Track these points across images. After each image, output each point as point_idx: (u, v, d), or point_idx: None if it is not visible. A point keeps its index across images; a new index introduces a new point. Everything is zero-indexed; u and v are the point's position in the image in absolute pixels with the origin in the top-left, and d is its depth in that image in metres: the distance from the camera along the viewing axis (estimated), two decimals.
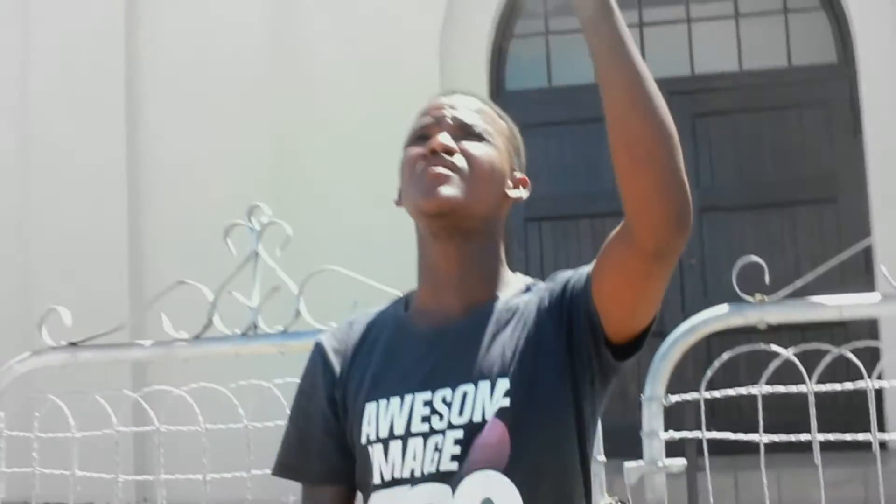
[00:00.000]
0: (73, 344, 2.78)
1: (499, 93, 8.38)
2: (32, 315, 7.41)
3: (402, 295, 1.96)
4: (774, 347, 2.59)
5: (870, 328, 6.86)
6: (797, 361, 2.55)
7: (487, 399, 1.72)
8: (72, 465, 2.82)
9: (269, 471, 2.00)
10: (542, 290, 1.84)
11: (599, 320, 1.73)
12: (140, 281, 7.80)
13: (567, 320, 1.76)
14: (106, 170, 8.01)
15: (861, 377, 2.62)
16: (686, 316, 2.94)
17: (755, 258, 2.64)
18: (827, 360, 2.57)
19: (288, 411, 1.96)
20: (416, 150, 1.83)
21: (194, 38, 8.13)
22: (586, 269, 1.78)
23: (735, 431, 2.74)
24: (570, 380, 1.76)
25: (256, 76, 8.06)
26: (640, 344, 1.77)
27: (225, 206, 7.32)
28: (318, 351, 1.91)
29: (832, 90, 8.10)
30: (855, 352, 2.67)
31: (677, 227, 1.66)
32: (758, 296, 2.59)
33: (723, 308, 2.62)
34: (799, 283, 2.70)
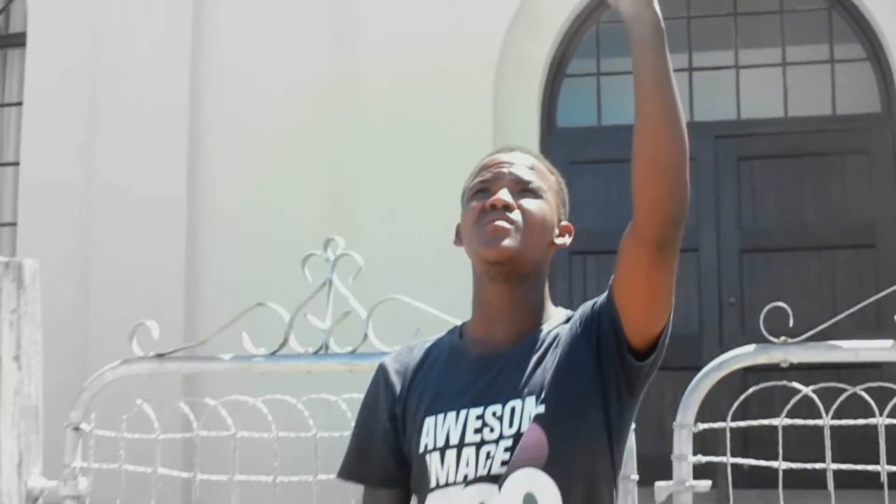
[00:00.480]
0: (159, 355, 3.12)
1: (550, 129, 8.67)
2: (90, 336, 7.85)
3: (457, 324, 2.24)
4: (795, 384, 2.87)
5: None
6: (815, 398, 2.83)
7: (528, 406, 2.00)
8: (154, 463, 3.14)
9: (333, 476, 2.29)
10: (577, 315, 2.12)
11: (621, 324, 2.01)
12: (196, 305, 8.14)
13: (596, 331, 2.04)
14: (167, 204, 8.30)
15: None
16: (724, 352, 3.22)
17: (781, 304, 2.92)
18: (842, 398, 2.84)
19: (352, 424, 2.24)
20: (479, 203, 2.10)
21: (255, 75, 8.42)
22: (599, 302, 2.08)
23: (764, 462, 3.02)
24: (600, 388, 2.03)
25: (316, 115, 8.33)
26: (658, 348, 2.05)
27: (283, 238, 7.75)
28: (382, 371, 2.20)
29: (874, 139, 8.32)
30: (873, 390, 2.94)
31: (678, 223, 1.95)
32: (782, 337, 2.88)
33: (749, 347, 2.91)
34: (821, 327, 2.97)
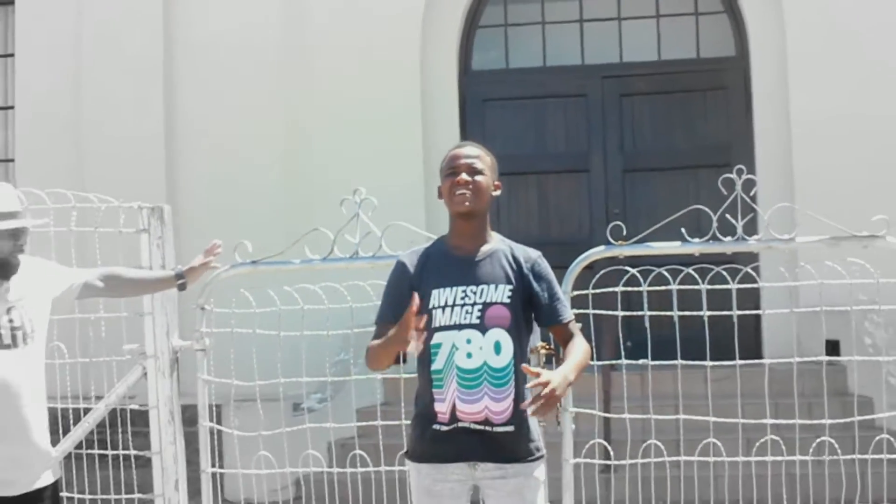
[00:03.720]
0: (254, 262, 5.35)
1: (466, 71, 10.93)
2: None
3: (437, 238, 4.31)
4: (627, 267, 5.22)
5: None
6: (645, 291, 5.20)
7: (494, 292, 4.02)
8: (254, 327, 5.44)
9: (364, 329, 4.54)
10: (524, 255, 4.09)
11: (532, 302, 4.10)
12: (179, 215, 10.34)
13: (530, 285, 4.03)
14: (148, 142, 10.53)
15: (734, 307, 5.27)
16: None
17: (619, 223, 5.27)
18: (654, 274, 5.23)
19: (374, 301, 4.47)
20: (450, 180, 4.09)
21: (222, 29, 10.56)
22: (556, 305, 4.08)
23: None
24: (529, 300, 4.05)
25: (271, 67, 10.57)
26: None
27: (249, 157, 10.00)
28: (401, 262, 4.21)
29: (730, 78, 10.70)
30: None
31: None
32: (619, 242, 5.24)
33: (601, 247, 5.27)
34: (646, 232, 5.29)
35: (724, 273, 5.39)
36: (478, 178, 4.07)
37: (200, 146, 10.51)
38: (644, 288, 5.27)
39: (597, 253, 5.16)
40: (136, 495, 5.56)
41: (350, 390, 6.70)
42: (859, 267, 5.30)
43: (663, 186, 10.69)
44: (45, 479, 4.11)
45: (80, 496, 5.56)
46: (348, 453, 6.04)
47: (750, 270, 5.53)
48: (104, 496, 5.60)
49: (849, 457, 5.43)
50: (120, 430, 5.70)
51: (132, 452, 5.53)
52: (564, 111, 10.91)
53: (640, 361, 5.40)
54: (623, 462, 5.56)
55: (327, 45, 10.55)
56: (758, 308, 7.41)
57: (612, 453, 5.68)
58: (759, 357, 9.00)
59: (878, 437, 5.37)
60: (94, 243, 5.39)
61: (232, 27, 10.54)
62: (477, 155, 4.13)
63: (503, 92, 10.92)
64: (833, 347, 7.82)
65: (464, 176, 4.04)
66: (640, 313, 5.36)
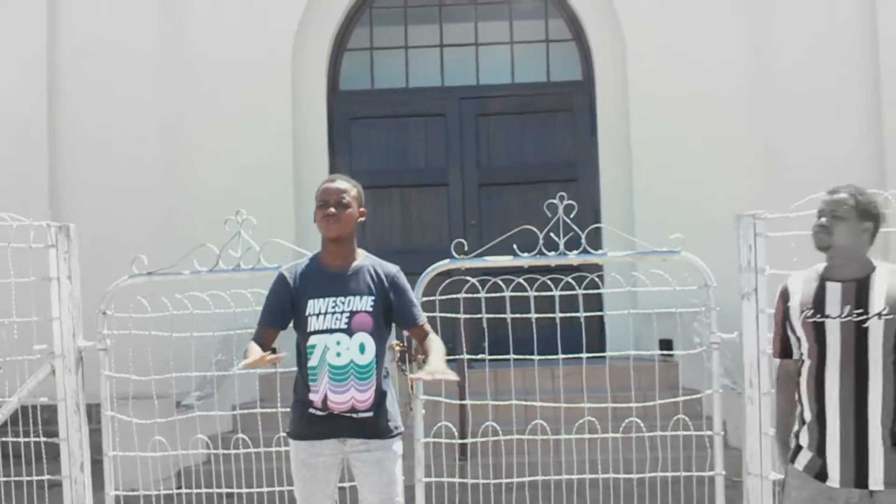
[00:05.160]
0: (150, 273, 6.33)
1: (334, 91, 11.95)
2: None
3: (311, 255, 5.32)
4: (472, 281, 6.35)
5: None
6: (483, 295, 6.33)
7: (359, 302, 5.00)
8: (148, 329, 6.43)
9: (245, 331, 5.60)
10: (385, 270, 5.08)
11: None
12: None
13: (389, 294, 5.03)
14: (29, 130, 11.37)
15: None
16: None
17: (461, 240, 6.39)
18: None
19: (253, 306, 5.52)
20: (322, 211, 5.04)
21: (105, 26, 11.50)
22: (413, 311, 5.13)
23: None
24: (387, 307, 5.05)
25: (149, 83, 11.47)
26: None
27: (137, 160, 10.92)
28: (281, 275, 5.19)
29: (577, 100, 11.90)
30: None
31: None
32: (461, 256, 6.35)
33: (446, 261, 6.34)
34: (486, 247, 6.41)
35: (572, 281, 6.47)
36: (345, 210, 5.06)
37: (87, 164, 11.41)
38: (482, 294, 6.38)
39: (441, 266, 6.20)
40: (46, 476, 6.50)
41: (230, 387, 7.72)
42: (691, 274, 6.28)
43: (515, 199, 11.77)
44: None
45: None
46: (227, 445, 7.06)
47: (596, 278, 6.60)
48: (17, 478, 6.52)
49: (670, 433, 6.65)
50: (31, 424, 6.59)
51: (42, 440, 6.46)
52: (425, 129, 11.99)
53: (480, 357, 6.51)
54: (470, 440, 6.68)
55: (204, 62, 11.48)
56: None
57: (456, 435, 6.80)
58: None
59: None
60: (6, 257, 6.30)
61: (114, 39, 11.50)
62: (345, 189, 5.13)
63: (369, 111, 11.98)
64: (667, 345, 8.95)
65: (332, 209, 5.05)
66: (479, 316, 6.47)
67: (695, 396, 6.75)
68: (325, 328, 4.98)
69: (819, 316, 4.33)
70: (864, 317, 4.24)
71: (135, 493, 6.85)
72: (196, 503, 7.34)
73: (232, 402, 8.60)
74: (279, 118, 11.49)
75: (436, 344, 5.07)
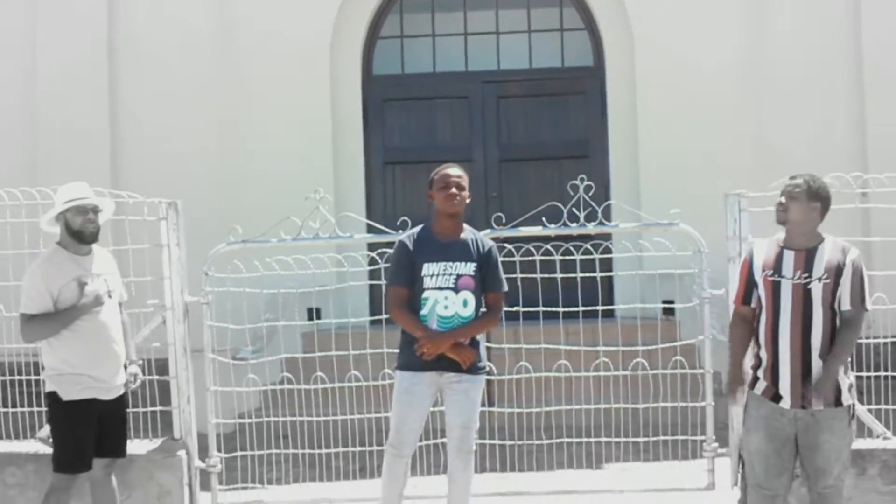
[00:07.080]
0: (244, 241, 7.90)
1: (368, 76, 13.36)
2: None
3: (422, 225, 6.61)
4: (508, 247, 7.92)
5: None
6: (515, 257, 7.90)
7: (464, 267, 6.39)
8: (243, 287, 8.03)
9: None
10: (484, 243, 6.54)
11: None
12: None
13: (485, 265, 6.44)
14: (93, 136, 12.83)
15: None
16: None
17: (500, 213, 7.96)
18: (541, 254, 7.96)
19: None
20: (444, 192, 6.41)
21: (165, 38, 12.95)
22: (493, 281, 6.50)
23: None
24: (483, 273, 6.48)
25: (205, 74, 12.92)
26: None
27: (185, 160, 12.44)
28: (402, 242, 6.53)
29: (588, 84, 13.25)
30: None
31: None
32: (497, 225, 7.90)
33: (487, 230, 7.90)
34: (523, 218, 7.96)
35: (590, 248, 8.00)
36: (462, 192, 6.46)
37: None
38: (517, 258, 7.96)
39: (484, 234, 7.78)
40: (159, 407, 8.08)
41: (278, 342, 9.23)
42: (691, 242, 7.75)
43: (533, 174, 13.14)
44: (121, 390, 6.66)
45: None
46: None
47: (610, 245, 8.16)
48: (134, 409, 8.08)
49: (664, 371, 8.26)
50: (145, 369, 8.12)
51: (156, 378, 8.01)
52: (451, 110, 13.38)
53: (515, 309, 8.07)
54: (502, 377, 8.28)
55: (253, 59, 12.92)
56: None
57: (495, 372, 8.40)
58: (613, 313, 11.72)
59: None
60: (125, 228, 7.87)
61: (171, 38, 12.92)
62: (461, 175, 6.51)
63: (400, 93, 13.36)
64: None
65: (454, 190, 6.42)
66: (513, 275, 8.03)
67: (690, 341, 8.34)
68: (436, 286, 6.36)
69: (777, 276, 5.60)
70: (809, 280, 5.54)
71: (231, 422, 8.46)
72: (274, 430, 8.90)
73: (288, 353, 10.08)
74: (320, 102, 12.89)
75: (476, 320, 6.40)
